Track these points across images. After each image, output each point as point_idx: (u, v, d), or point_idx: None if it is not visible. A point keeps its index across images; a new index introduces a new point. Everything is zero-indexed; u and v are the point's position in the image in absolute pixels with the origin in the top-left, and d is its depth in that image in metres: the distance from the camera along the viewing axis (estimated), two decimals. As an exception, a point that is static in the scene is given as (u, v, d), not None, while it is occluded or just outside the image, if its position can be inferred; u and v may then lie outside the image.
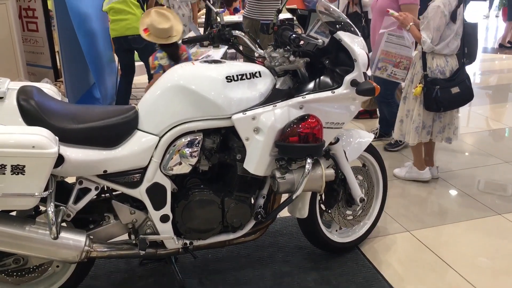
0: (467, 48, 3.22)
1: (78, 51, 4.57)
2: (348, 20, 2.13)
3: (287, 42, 1.97)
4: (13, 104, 1.85)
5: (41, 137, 1.68)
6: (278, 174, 2.04)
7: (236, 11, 6.72)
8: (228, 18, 5.96)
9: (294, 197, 2.04)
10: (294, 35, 1.91)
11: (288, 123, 2.01)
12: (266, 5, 4.71)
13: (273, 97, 2.08)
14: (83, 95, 5.05)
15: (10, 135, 1.66)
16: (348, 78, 2.05)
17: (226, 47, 4.32)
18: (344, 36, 2.04)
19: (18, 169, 1.66)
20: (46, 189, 1.74)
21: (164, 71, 3.35)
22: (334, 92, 2.06)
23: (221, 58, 4.19)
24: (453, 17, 3.01)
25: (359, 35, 2.13)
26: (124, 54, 4.75)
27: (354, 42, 2.05)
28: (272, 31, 2.10)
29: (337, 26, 2.04)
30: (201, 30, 4.59)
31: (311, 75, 2.14)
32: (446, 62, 3.11)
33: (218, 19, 2.26)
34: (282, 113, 2.02)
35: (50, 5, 5.13)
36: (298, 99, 2.05)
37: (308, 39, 2.06)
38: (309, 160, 2.01)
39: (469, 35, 3.20)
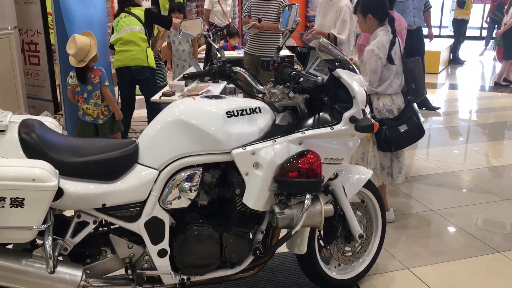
0: (414, 84, 3.18)
1: (78, 85, 4.63)
2: (347, 58, 2.18)
3: (287, 79, 2.00)
4: (15, 137, 1.86)
5: (42, 170, 1.69)
6: (277, 209, 2.04)
7: (235, 48, 6.84)
8: (228, 54, 6.07)
9: (293, 232, 2.03)
10: (294, 72, 1.95)
11: (288, 158, 2.03)
12: (266, 42, 4.81)
13: (273, 132, 2.10)
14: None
15: (11, 168, 1.66)
16: (347, 114, 2.07)
17: (226, 82, 4.37)
18: (343, 74, 2.08)
19: (17, 202, 1.65)
20: (44, 222, 1.73)
21: (71, 88, 3.94)
22: (333, 128, 2.08)
23: (221, 93, 4.25)
24: (389, 59, 2.98)
25: (358, 72, 2.17)
26: (125, 87, 4.81)
27: (352, 80, 2.09)
28: (272, 68, 2.14)
29: (336, 63, 2.09)
30: (201, 65, 4.66)
31: (310, 111, 2.17)
32: (392, 101, 3.06)
33: (219, 55, 2.30)
34: (281, 149, 2.04)
35: (53, 39, 5.23)
36: (298, 134, 2.07)
37: (307, 76, 2.10)
38: (308, 196, 2.01)
39: (412, 70, 3.18)
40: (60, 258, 1.96)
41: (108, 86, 3.98)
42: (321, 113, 2.14)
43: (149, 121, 4.93)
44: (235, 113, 2.07)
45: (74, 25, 4.52)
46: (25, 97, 5.05)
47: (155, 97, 4.09)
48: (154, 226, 2.04)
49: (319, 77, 2.04)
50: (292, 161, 2.01)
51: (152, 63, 4.66)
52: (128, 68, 4.59)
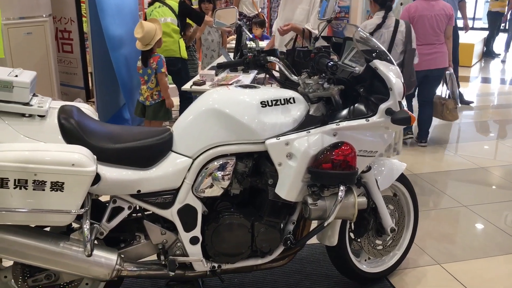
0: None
1: (110, 73, 4.70)
2: (384, 49, 2.14)
3: (324, 70, 1.98)
4: (54, 123, 1.90)
5: (81, 155, 1.72)
6: (310, 201, 2.03)
7: (264, 38, 6.81)
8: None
9: (325, 224, 2.03)
10: (331, 63, 1.93)
11: (322, 149, 2.01)
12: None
13: (307, 123, 2.09)
14: (113, 116, 5.15)
15: (51, 153, 1.70)
16: (383, 106, 2.05)
17: (256, 72, 4.37)
18: (380, 65, 2.04)
19: (57, 186, 1.69)
20: (82, 206, 1.77)
21: (137, 69, 4.29)
22: (368, 120, 2.06)
23: (251, 83, 4.24)
24: None
25: (395, 64, 2.14)
26: None
27: (389, 71, 2.06)
28: (308, 58, 2.12)
29: (373, 54, 2.06)
30: (231, 55, 4.65)
31: (345, 103, 2.14)
32: None
33: (254, 45, 2.29)
34: (315, 140, 2.02)
35: (86, 27, 5.31)
36: (332, 126, 2.05)
37: (345, 67, 2.08)
38: (342, 188, 2.00)
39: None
40: (96, 242, 2.00)
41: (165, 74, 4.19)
42: (356, 105, 2.11)
43: (181, 110, 5.00)
44: (270, 103, 2.06)
45: (106, 14, 4.57)
46: (58, 84, 5.15)
47: (186, 86, 4.11)
48: (187, 213, 2.06)
49: (357, 68, 2.01)
50: (326, 153, 2.00)
51: (184, 54, 4.69)
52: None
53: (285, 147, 2.02)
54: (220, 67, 2.43)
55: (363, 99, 2.12)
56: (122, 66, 4.77)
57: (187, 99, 4.61)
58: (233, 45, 5.32)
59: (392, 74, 2.06)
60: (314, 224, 2.22)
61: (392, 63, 2.12)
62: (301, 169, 2.01)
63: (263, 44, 6.10)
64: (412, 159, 4.42)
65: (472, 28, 12.65)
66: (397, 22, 3.69)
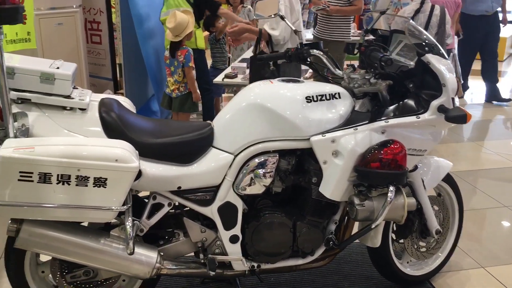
0: None
1: (139, 64, 4.66)
2: (436, 42, 2.04)
3: (376, 64, 1.89)
4: (95, 116, 1.85)
5: (124, 150, 1.67)
6: (356, 201, 1.95)
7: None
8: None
9: (373, 226, 1.94)
10: (385, 57, 1.83)
11: (370, 148, 1.92)
12: (336, 25, 4.65)
13: (353, 119, 2.00)
14: (141, 107, 5.13)
15: (95, 148, 1.65)
16: (435, 103, 1.94)
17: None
18: (433, 59, 1.94)
19: (100, 182, 1.64)
20: (124, 203, 1.72)
21: (165, 59, 4.24)
22: (419, 118, 1.96)
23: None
24: None
25: (447, 58, 2.03)
26: None
27: (442, 66, 1.95)
28: (358, 52, 2.03)
29: (426, 48, 1.95)
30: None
31: (392, 99, 2.05)
32: None
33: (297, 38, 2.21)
34: (363, 137, 1.94)
35: (114, 18, 5.28)
36: (381, 123, 1.96)
37: (399, 61, 1.97)
38: (391, 188, 1.91)
39: None
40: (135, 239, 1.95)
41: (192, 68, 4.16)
42: (405, 101, 2.01)
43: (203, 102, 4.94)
44: (315, 98, 1.98)
45: (137, 4, 4.52)
46: (87, 75, 5.14)
47: (218, 79, 4.04)
48: (227, 211, 2.00)
49: (412, 63, 1.91)
50: (375, 151, 1.91)
51: (201, 44, 4.58)
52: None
53: (331, 145, 1.94)
54: (261, 60, 2.35)
55: (412, 95, 2.02)
56: (151, 57, 4.72)
57: (205, 90, 4.54)
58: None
59: (445, 69, 1.95)
60: (356, 224, 2.15)
61: (445, 57, 2.01)
62: (348, 167, 1.93)
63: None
64: (448, 157, 4.28)
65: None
66: (432, 7, 4.03)
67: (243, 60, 4.44)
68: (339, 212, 2.13)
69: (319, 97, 1.99)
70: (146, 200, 1.98)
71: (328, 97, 2.00)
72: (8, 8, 1.56)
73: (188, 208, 2.01)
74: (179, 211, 2.05)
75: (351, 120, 2.00)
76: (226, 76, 3.99)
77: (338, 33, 4.67)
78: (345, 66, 2.17)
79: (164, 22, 4.60)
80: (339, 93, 2.03)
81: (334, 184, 1.94)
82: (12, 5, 1.57)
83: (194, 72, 4.17)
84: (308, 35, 5.51)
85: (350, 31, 4.86)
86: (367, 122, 1.98)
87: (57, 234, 1.77)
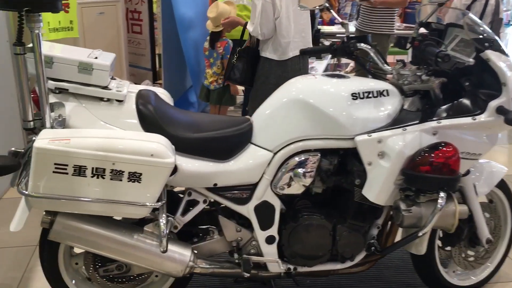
0: None
1: (178, 55, 4.62)
2: (496, 37, 1.88)
3: (431, 60, 1.75)
4: (132, 108, 1.80)
5: (160, 145, 1.61)
6: (403, 206, 1.82)
7: (332, 22, 6.50)
8: (327, 28, 5.78)
9: (420, 234, 1.82)
10: (442, 52, 1.69)
11: (419, 150, 1.79)
12: (379, 18, 4.48)
13: (402, 119, 1.87)
14: (179, 99, 5.10)
15: (130, 141, 1.59)
16: (493, 104, 1.79)
17: (329, 58, 4.15)
18: (493, 56, 1.79)
19: (135, 177, 1.59)
20: (159, 199, 1.66)
21: (204, 50, 4.21)
22: (475, 119, 1.81)
23: (324, 71, 4.03)
24: None
25: (508, 54, 1.87)
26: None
27: (503, 63, 1.80)
28: (410, 46, 1.89)
29: (486, 44, 1.80)
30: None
31: (444, 98, 1.90)
32: None
33: (344, 30, 2.09)
34: (412, 138, 1.81)
35: (155, 8, 5.27)
36: (432, 123, 1.83)
37: (456, 57, 1.83)
38: (442, 194, 1.77)
39: None
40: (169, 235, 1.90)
41: None
42: (460, 100, 1.87)
43: (245, 95, 4.85)
44: (361, 95, 1.86)
45: (178, -6, 4.48)
46: (127, 65, 5.16)
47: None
48: (264, 210, 1.92)
49: (471, 60, 1.76)
50: (425, 154, 1.78)
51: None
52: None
53: (377, 145, 1.82)
54: (304, 53, 2.25)
55: (468, 94, 1.88)
56: (191, 48, 4.67)
57: None
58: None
59: (506, 67, 1.80)
60: (400, 228, 2.03)
61: (505, 54, 1.85)
62: (395, 170, 1.81)
63: (335, 29, 5.84)
64: (501, 160, 4.05)
65: None
66: None
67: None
68: (383, 216, 2.02)
69: (365, 94, 1.87)
70: (181, 195, 1.92)
71: (375, 94, 1.88)
72: (47, -5, 1.51)
73: (224, 206, 1.94)
74: (214, 208, 1.98)
75: (399, 120, 1.87)
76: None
77: (382, 26, 4.49)
78: (393, 61, 2.03)
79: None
80: (387, 90, 1.90)
81: (379, 187, 1.83)
82: (51, -8, 1.52)
83: None
84: (350, 27, 5.33)
85: (394, 24, 4.67)
86: (417, 122, 1.85)
87: (91, 228, 1.73)
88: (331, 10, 2.16)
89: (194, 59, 4.75)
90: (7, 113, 3.23)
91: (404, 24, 5.93)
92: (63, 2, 3.77)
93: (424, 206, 1.82)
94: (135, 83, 4.76)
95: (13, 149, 1.68)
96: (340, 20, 2.12)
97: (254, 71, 3.15)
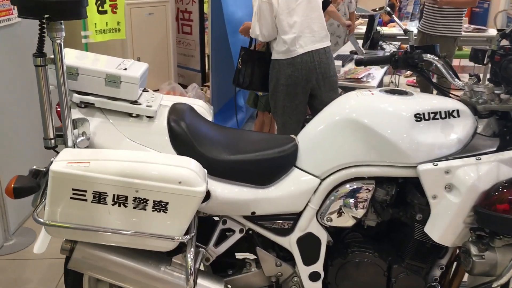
0: None
1: (227, 56, 4.45)
2: None
3: None
4: (163, 125, 1.62)
5: (189, 171, 1.41)
6: (474, 250, 1.54)
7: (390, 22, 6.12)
8: (386, 30, 5.43)
9: (495, 285, 1.52)
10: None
11: (496, 184, 1.50)
12: (445, 18, 4.11)
13: (475, 146, 1.58)
14: (227, 102, 4.94)
15: (156, 166, 1.41)
16: None
17: (387, 66, 3.82)
18: None
19: (160, 206, 1.40)
20: (187, 231, 1.47)
21: None
22: None
23: (382, 75, 3.72)
24: None
25: None
26: None
27: None
28: (489, 61, 1.60)
29: None
30: (360, 42, 4.15)
31: None
32: None
33: (409, 39, 1.81)
34: (488, 170, 1.52)
35: (206, 8, 5.13)
36: (513, 153, 1.53)
37: None
38: (524, 240, 1.47)
39: None
40: (201, 267, 1.71)
41: None
42: (549, 126, 1.55)
43: None
44: (426, 116, 1.59)
45: (228, -5, 4.30)
46: (175, 65, 5.06)
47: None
48: (309, 244, 1.69)
49: None
50: (503, 189, 1.48)
51: None
52: None
53: (444, 176, 1.54)
54: (360, 64, 1.99)
55: (559, 119, 1.56)
56: (239, 50, 4.49)
57: None
58: (362, 31, 4.77)
59: None
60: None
61: None
62: (465, 207, 1.52)
63: (395, 30, 5.46)
64: None
65: None
66: None
67: (338, 57, 4.05)
68: (448, 256, 1.73)
69: (431, 115, 1.59)
70: (216, 218, 1.73)
71: (443, 115, 1.60)
72: (70, 1, 1.35)
73: (263, 236, 1.73)
74: (251, 238, 1.77)
75: (472, 146, 1.58)
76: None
77: (448, 28, 4.13)
78: (466, 77, 1.74)
79: None
80: (457, 110, 1.62)
81: (445, 225, 1.55)
82: (74, -2, 1.36)
83: None
84: (412, 28, 4.96)
85: (461, 26, 4.29)
86: (494, 150, 1.55)
87: (113, 258, 1.56)
88: (393, 15, 1.89)
89: (243, 62, 4.56)
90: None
91: (473, 26, 5.48)
92: (111, 3, 3.69)
93: (500, 251, 1.53)
94: (184, 85, 4.67)
95: (34, 167, 1.55)
96: (403, 26, 1.85)
97: (262, 75, 3.03)
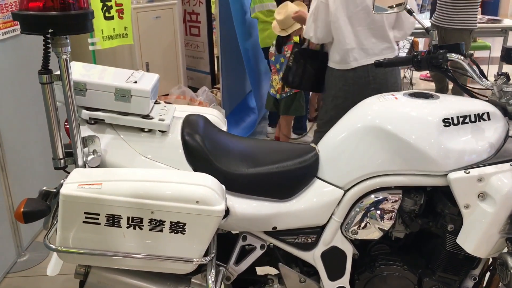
0: None
1: (237, 57, 4.37)
2: None
3: None
4: (177, 140, 1.54)
5: (207, 189, 1.33)
6: (511, 262, 1.44)
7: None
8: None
9: (535, 300, 1.43)
10: None
11: (534, 192, 1.40)
12: (460, 10, 3.98)
13: (508, 150, 1.49)
14: (239, 104, 4.86)
15: (171, 185, 1.33)
16: None
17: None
18: None
19: (178, 227, 1.33)
20: (206, 252, 1.39)
21: (270, 56, 3.87)
22: None
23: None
24: None
25: None
26: None
27: None
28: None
29: None
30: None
31: None
32: None
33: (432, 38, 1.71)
34: (525, 177, 1.42)
35: (214, 9, 5.04)
36: (551, 157, 1.43)
37: None
38: None
39: None
40: (222, 285, 1.63)
41: None
42: None
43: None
44: (455, 121, 1.49)
45: (236, -6, 4.22)
46: (185, 68, 4.98)
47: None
48: (333, 258, 1.61)
49: None
50: (542, 197, 1.38)
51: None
52: (267, 48, 4.18)
53: (477, 184, 1.44)
54: (380, 66, 1.89)
55: None
56: (250, 51, 4.41)
57: None
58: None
59: None
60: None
61: None
62: (500, 216, 1.43)
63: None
64: None
65: None
66: None
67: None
68: (481, 266, 1.64)
69: (460, 119, 1.50)
70: (236, 232, 1.65)
71: (473, 119, 1.51)
72: (74, 14, 1.28)
73: (285, 252, 1.65)
74: (273, 253, 1.69)
75: (505, 151, 1.49)
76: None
77: (463, 20, 4.00)
78: (494, 75, 1.64)
79: (256, 18, 4.27)
80: (488, 113, 1.52)
81: (479, 236, 1.45)
82: (80, 11, 1.28)
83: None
84: (426, 22, 4.84)
85: (476, 17, 4.16)
86: (529, 154, 1.46)
87: (131, 281, 1.49)
88: (413, 13, 1.80)
89: (253, 63, 4.48)
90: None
91: (487, 17, 5.33)
92: (118, 8, 3.62)
93: (540, 263, 1.43)
94: (194, 88, 4.57)
95: (44, 188, 1.48)
96: (425, 25, 1.75)
97: (314, 75, 2.81)
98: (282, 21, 3.57)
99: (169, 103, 1.71)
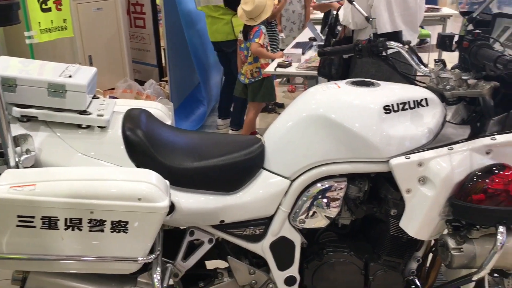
0: None
1: (184, 49, 4.29)
2: None
3: (485, 65, 1.40)
4: (118, 135, 1.49)
5: (149, 186, 1.30)
6: (452, 244, 1.49)
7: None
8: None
9: (475, 278, 1.48)
10: (504, 58, 1.33)
11: (470, 174, 1.45)
12: None
13: (446, 135, 1.53)
14: (187, 96, 4.79)
15: (111, 183, 1.29)
16: (563, 114, 1.44)
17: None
18: (562, 54, 1.42)
19: (119, 226, 1.29)
20: (151, 250, 1.36)
21: (238, 43, 3.96)
22: (541, 134, 1.46)
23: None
24: None
25: None
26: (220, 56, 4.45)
27: None
28: (457, 47, 1.54)
29: None
30: (318, 28, 4.07)
31: (496, 106, 1.55)
32: None
33: (372, 28, 1.74)
34: (461, 160, 1.46)
35: (159, 0, 4.92)
36: (485, 140, 1.48)
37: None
38: (501, 229, 1.43)
39: None
40: (171, 281, 1.60)
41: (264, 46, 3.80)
42: (518, 110, 1.51)
43: (222, 94, 4.53)
44: (395, 108, 1.52)
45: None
46: (130, 61, 4.84)
47: (269, 69, 3.58)
48: (282, 248, 1.61)
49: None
50: (477, 179, 1.43)
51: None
52: (216, 42, 4.25)
53: (417, 169, 1.48)
54: (323, 55, 1.90)
55: (528, 102, 1.52)
56: (197, 42, 4.34)
57: (232, 84, 4.18)
58: (319, 17, 4.68)
59: None
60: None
61: None
62: (440, 199, 1.47)
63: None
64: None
65: None
66: None
67: (297, 45, 3.96)
68: (423, 248, 1.69)
69: (400, 106, 1.53)
70: (183, 228, 1.62)
71: (412, 105, 1.54)
72: (-3, 5, 1.20)
73: (234, 244, 1.63)
74: (222, 246, 1.68)
75: (443, 136, 1.53)
76: (279, 65, 3.51)
77: None
78: (431, 63, 1.68)
79: (202, 11, 4.22)
80: (426, 99, 1.56)
81: (420, 219, 1.50)
82: (3, 2, 1.20)
83: (262, 49, 3.74)
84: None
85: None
86: (465, 138, 1.51)
87: (72, 284, 1.44)
88: (354, 2, 1.81)
89: (201, 54, 4.43)
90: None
91: (427, 6, 5.48)
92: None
93: (478, 243, 1.48)
94: (141, 81, 4.44)
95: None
96: (365, 14, 1.77)
97: (347, 65, 2.68)
98: (249, 11, 3.62)
99: (114, 97, 1.65)
